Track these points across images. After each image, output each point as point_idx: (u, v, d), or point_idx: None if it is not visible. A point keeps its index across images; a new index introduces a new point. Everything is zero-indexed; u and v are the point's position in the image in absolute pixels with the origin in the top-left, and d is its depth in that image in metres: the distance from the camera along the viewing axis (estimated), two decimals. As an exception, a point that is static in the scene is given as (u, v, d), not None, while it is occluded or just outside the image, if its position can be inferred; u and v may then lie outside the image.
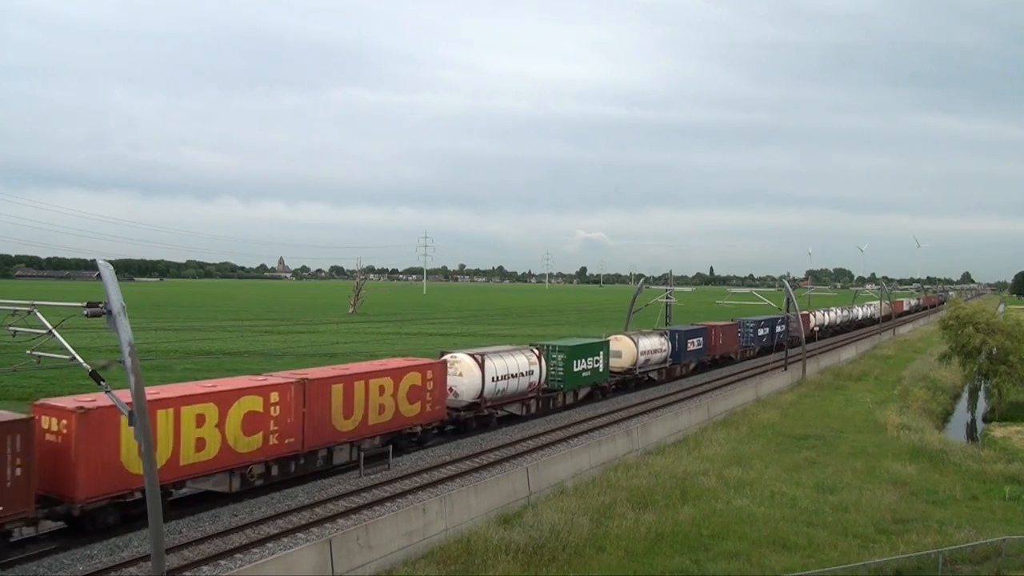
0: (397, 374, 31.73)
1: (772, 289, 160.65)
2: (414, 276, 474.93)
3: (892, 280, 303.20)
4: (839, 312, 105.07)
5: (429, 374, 33.37)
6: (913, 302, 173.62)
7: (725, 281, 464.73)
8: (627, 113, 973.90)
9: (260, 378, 28.08)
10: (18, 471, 19.40)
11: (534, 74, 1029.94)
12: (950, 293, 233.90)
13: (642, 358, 51.18)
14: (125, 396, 16.47)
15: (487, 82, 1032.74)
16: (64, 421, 20.89)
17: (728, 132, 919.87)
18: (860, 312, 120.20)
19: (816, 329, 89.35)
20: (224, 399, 24.76)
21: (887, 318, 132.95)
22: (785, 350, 63.15)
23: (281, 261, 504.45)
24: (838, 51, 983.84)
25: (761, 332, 73.97)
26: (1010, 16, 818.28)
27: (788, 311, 68.70)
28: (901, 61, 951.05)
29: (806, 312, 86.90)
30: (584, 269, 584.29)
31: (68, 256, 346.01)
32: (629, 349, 50.49)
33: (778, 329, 75.95)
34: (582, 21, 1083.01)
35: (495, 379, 37.24)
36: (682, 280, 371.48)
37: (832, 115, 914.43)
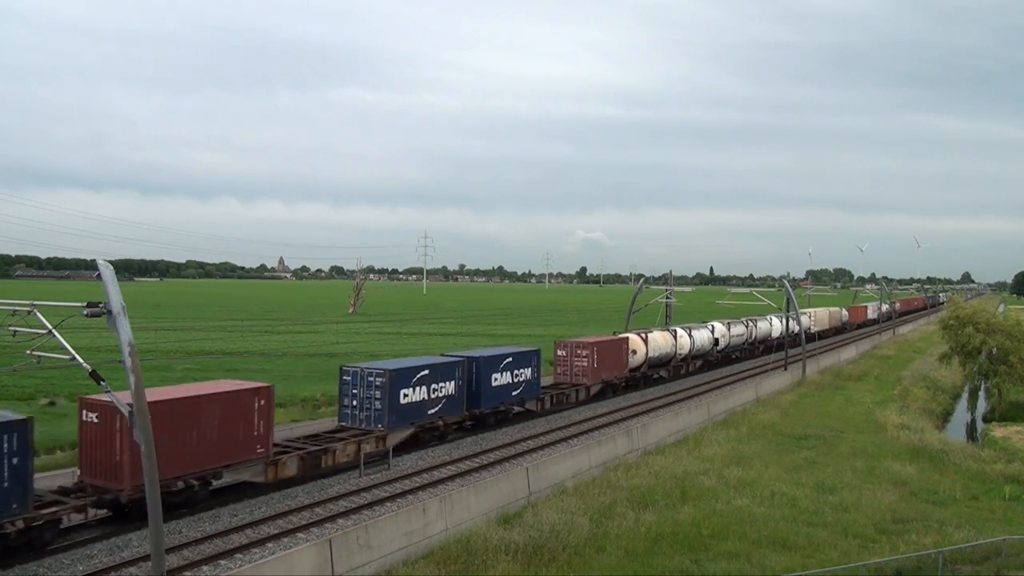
0: None
1: (772, 289, 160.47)
2: (414, 276, 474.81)
3: (892, 280, 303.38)
4: (724, 330, 64.63)
5: None
6: (885, 307, 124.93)
7: (725, 281, 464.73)
8: (625, 113, 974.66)
9: None
10: None
11: (532, 75, 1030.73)
12: (942, 294, 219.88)
13: None
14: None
15: (485, 82, 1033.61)
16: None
17: (726, 132, 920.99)
18: (777, 326, 74.94)
19: (644, 369, 52.09)
20: None
21: (837, 331, 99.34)
22: (785, 350, 63.13)
23: (281, 261, 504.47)
24: (835, 51, 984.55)
25: (418, 394, 32.64)
26: (1006, 17, 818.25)
27: (788, 311, 68.46)
28: (898, 61, 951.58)
29: (623, 337, 50.95)
30: (584, 269, 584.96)
31: (68, 256, 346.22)
32: None
33: (495, 379, 37.22)
34: (578, 22, 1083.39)
35: None
36: (682, 280, 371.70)
37: (830, 115, 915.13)
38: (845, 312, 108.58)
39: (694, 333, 59.75)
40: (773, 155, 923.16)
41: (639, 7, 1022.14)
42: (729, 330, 66.17)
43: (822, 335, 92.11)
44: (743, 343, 69.88)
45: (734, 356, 68.67)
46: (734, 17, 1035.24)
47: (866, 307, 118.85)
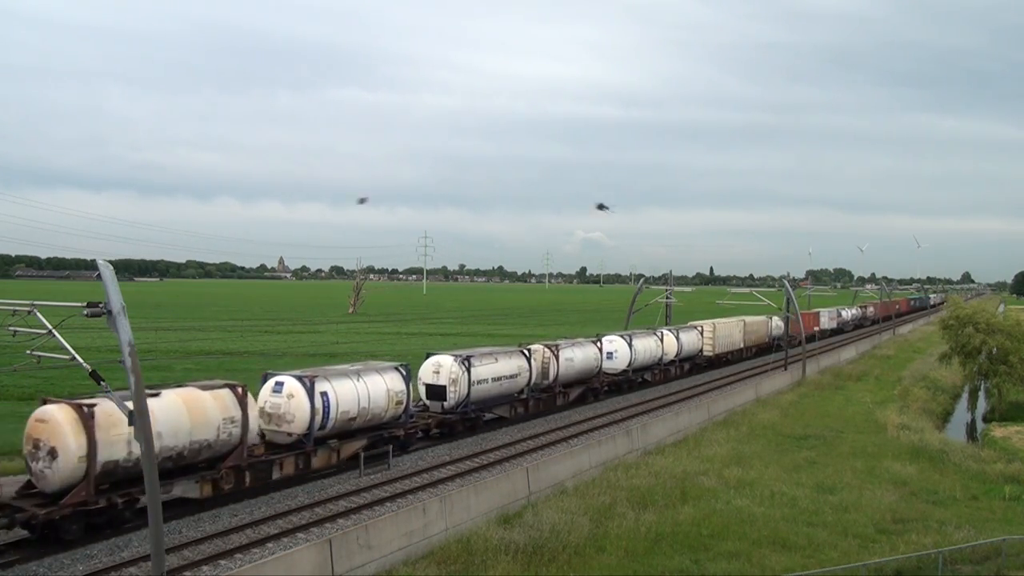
0: None
1: (772, 289, 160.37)
2: (414, 276, 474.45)
3: (892, 280, 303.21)
4: (455, 369, 34.40)
5: None
6: (850, 313, 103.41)
7: (725, 281, 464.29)
8: (623, 113, 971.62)
9: None
10: None
11: (529, 75, 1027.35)
12: (934, 295, 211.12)
13: None
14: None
15: (483, 83, 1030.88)
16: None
17: (725, 132, 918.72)
18: (629, 353, 48.95)
19: (85, 493, 20.78)
20: None
21: (760, 350, 68.90)
22: (785, 350, 63.11)
23: (281, 261, 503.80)
24: (833, 52, 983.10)
25: None
26: (1003, 17, 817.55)
27: (788, 311, 68.24)
28: (896, 61, 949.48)
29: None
30: (584, 269, 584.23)
31: (68, 256, 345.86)
32: None
33: None
34: (574, 22, 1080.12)
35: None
36: (682, 280, 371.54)
37: (829, 115, 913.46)
38: (777, 322, 73.00)
39: (331, 385, 28.38)
40: (772, 155, 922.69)
41: (636, 7, 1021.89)
42: (468, 371, 34.30)
43: (728, 358, 64.95)
44: (512, 393, 38.31)
45: (489, 416, 37.83)
46: (731, 17, 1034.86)
47: (817, 314, 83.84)
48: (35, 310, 18.09)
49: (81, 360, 17.05)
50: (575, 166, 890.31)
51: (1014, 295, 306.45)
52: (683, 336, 57.22)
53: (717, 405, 43.38)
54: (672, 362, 56.01)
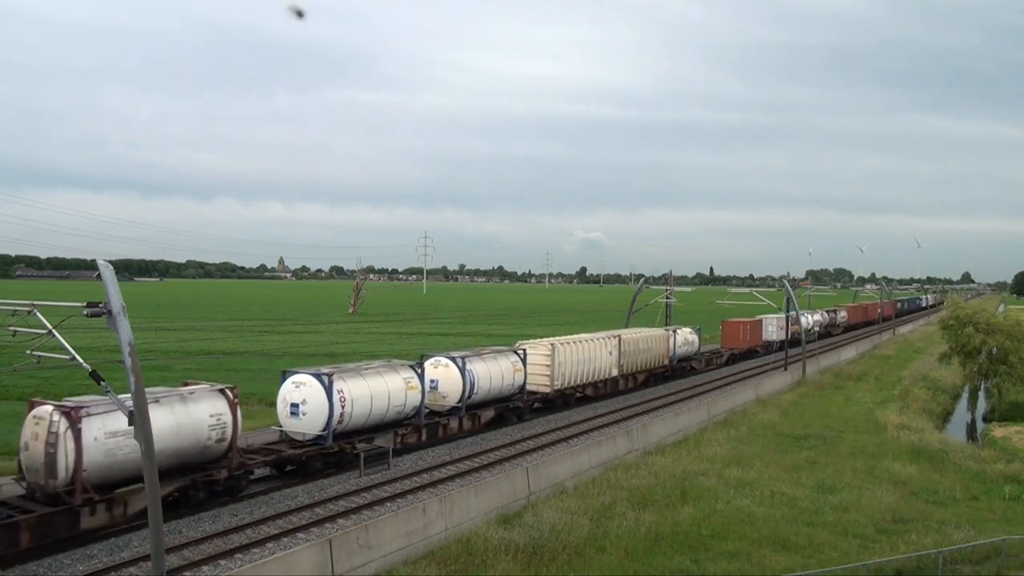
0: None
1: (772, 289, 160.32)
2: (414, 276, 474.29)
3: (892, 280, 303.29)
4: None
5: None
6: (812, 319, 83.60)
7: (725, 281, 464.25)
8: (621, 113, 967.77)
9: None
10: None
11: (528, 75, 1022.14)
12: (926, 296, 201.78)
13: None
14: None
15: (482, 83, 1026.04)
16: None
17: (723, 133, 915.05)
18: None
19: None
20: None
21: (649, 376, 50.52)
22: (785, 350, 63.11)
23: (281, 261, 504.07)
24: (829, 52, 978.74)
25: None
26: (999, 17, 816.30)
27: (788, 311, 68.19)
28: (893, 61, 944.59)
29: None
30: (584, 269, 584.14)
31: (68, 256, 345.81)
32: None
33: None
34: (572, 22, 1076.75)
35: None
36: (682, 280, 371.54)
37: (827, 115, 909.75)
38: (687, 336, 56.57)
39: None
40: (771, 155, 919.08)
41: (632, 7, 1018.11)
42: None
43: (585, 395, 44.94)
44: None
45: None
46: (728, 18, 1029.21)
47: (759, 323, 62.51)
48: (35, 310, 18.08)
49: (81, 360, 17.04)
50: (574, 166, 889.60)
51: (1014, 295, 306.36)
52: (477, 367, 35.49)
53: (717, 405, 43.39)
54: (452, 411, 34.95)
